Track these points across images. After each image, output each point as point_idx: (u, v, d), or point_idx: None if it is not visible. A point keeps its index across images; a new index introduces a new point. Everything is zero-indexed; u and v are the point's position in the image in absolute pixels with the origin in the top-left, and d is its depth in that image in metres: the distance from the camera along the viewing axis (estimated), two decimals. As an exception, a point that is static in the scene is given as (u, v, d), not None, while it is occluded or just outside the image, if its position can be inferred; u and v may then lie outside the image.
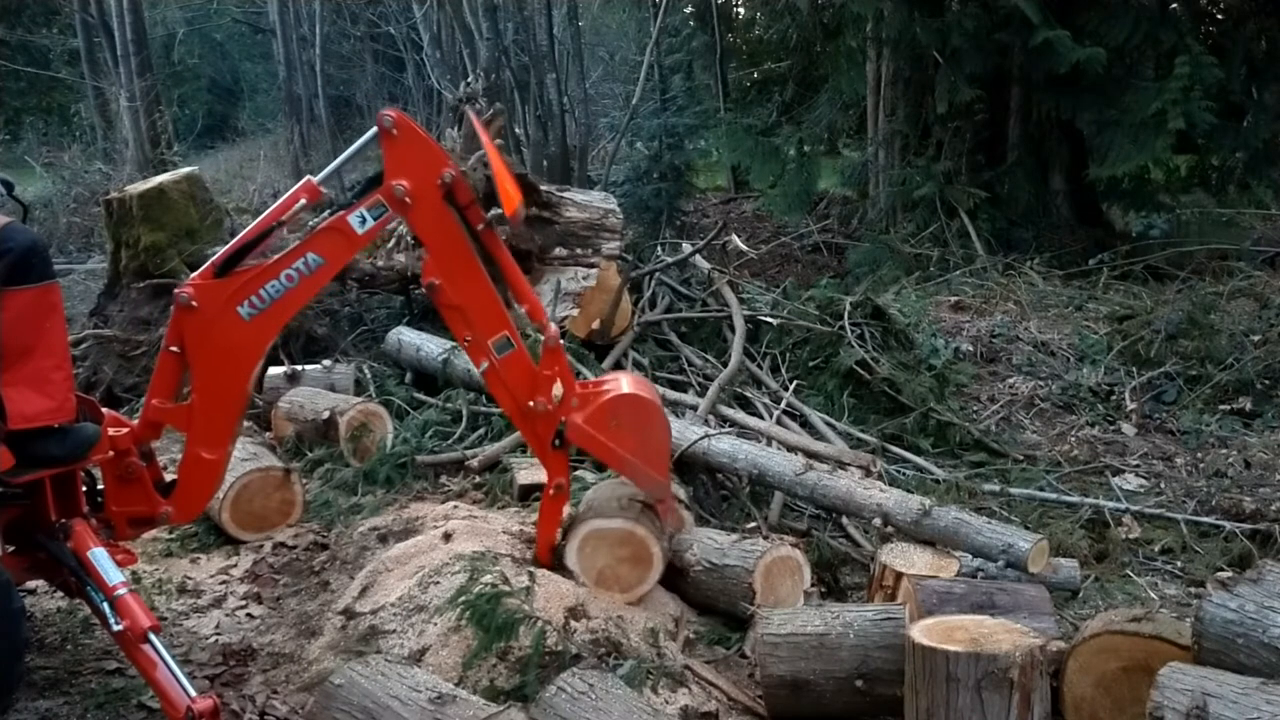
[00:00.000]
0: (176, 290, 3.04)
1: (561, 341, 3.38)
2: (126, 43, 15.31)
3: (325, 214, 3.38)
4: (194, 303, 3.00)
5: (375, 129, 3.09)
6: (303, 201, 3.08)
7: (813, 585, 3.73)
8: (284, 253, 3.09)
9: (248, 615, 3.69)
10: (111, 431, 3.04)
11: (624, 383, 3.50)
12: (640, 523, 3.47)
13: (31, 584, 3.56)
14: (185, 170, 6.76)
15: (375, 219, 3.12)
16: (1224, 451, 5.86)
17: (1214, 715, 2.37)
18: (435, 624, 3.14)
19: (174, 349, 3.05)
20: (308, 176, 3.17)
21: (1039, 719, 2.59)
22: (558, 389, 3.34)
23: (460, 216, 3.22)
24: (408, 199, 3.10)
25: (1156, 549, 4.66)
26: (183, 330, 3.03)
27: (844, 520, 4.55)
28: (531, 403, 3.31)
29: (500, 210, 3.32)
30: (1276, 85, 10.69)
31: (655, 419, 3.51)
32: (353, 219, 3.10)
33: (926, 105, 11.68)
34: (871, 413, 5.92)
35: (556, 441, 3.37)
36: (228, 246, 3.07)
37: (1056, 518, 4.85)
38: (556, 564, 3.47)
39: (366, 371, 5.90)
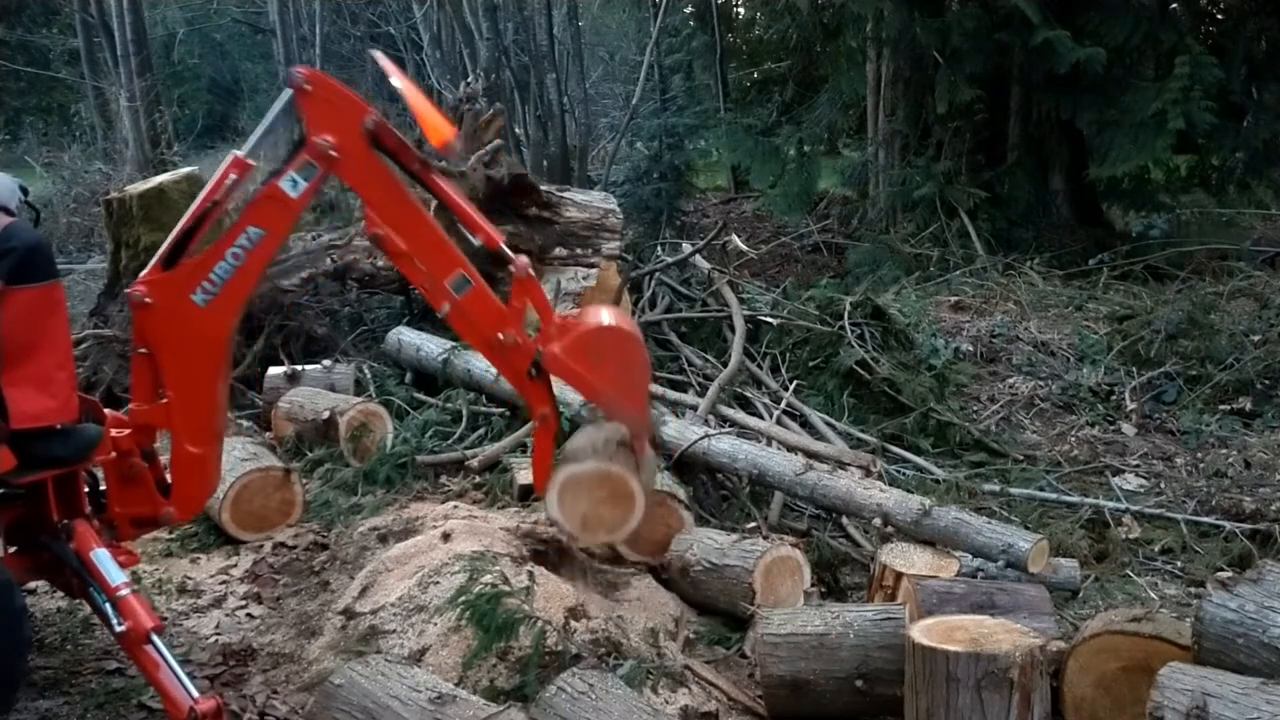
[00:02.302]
0: (128, 290, 2.98)
1: (531, 272, 3.28)
2: (126, 43, 15.28)
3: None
4: (148, 299, 2.96)
5: (289, 90, 3.00)
6: (233, 178, 3.01)
7: (813, 585, 3.73)
8: (224, 233, 3.03)
9: (248, 615, 3.69)
10: (114, 432, 3.03)
11: (604, 314, 3.41)
12: (615, 461, 3.32)
13: (32, 584, 3.57)
14: (185, 170, 6.76)
15: (307, 180, 3.03)
16: (1224, 451, 5.86)
17: (1214, 715, 2.37)
18: (435, 624, 3.14)
19: (142, 350, 3.02)
20: (234, 152, 3.08)
21: (1039, 719, 2.59)
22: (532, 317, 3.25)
23: (394, 162, 3.14)
24: (333, 153, 3.01)
25: (1156, 549, 4.66)
26: (145, 329, 3.00)
27: (844, 520, 4.55)
28: (501, 335, 3.22)
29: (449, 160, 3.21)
30: (1276, 85, 10.67)
31: (635, 352, 3.37)
32: (283, 183, 3.02)
33: (926, 105, 11.69)
34: (871, 413, 5.92)
35: (533, 371, 3.28)
36: (170, 238, 3.01)
37: (1056, 518, 4.86)
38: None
39: (366, 371, 5.90)
